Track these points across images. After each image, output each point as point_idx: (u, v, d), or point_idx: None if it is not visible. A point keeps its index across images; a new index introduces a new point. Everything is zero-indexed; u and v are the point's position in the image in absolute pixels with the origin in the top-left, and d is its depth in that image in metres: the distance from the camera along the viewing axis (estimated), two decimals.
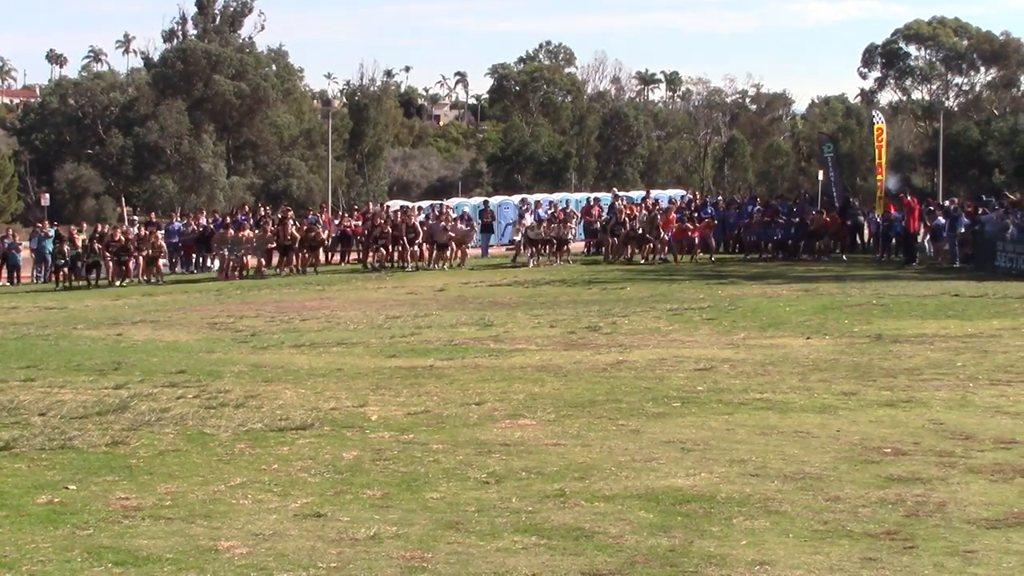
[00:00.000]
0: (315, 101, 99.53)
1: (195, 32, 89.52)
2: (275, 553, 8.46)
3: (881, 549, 8.44)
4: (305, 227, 40.74)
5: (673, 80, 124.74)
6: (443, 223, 41.20)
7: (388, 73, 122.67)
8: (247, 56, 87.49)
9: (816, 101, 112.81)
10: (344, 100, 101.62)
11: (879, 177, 45.49)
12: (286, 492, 10.32)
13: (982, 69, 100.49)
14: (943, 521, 9.16)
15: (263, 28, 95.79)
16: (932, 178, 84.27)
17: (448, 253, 40.93)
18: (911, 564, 8.10)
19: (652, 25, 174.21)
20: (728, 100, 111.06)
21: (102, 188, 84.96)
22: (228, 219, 43.17)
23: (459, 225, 41.98)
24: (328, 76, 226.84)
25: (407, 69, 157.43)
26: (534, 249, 41.05)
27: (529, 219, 42.14)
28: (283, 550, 8.53)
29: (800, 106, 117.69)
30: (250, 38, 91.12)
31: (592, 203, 46.64)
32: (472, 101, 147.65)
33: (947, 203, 43.29)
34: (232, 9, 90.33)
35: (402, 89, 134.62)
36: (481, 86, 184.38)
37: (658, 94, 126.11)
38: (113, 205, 78.95)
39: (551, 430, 12.98)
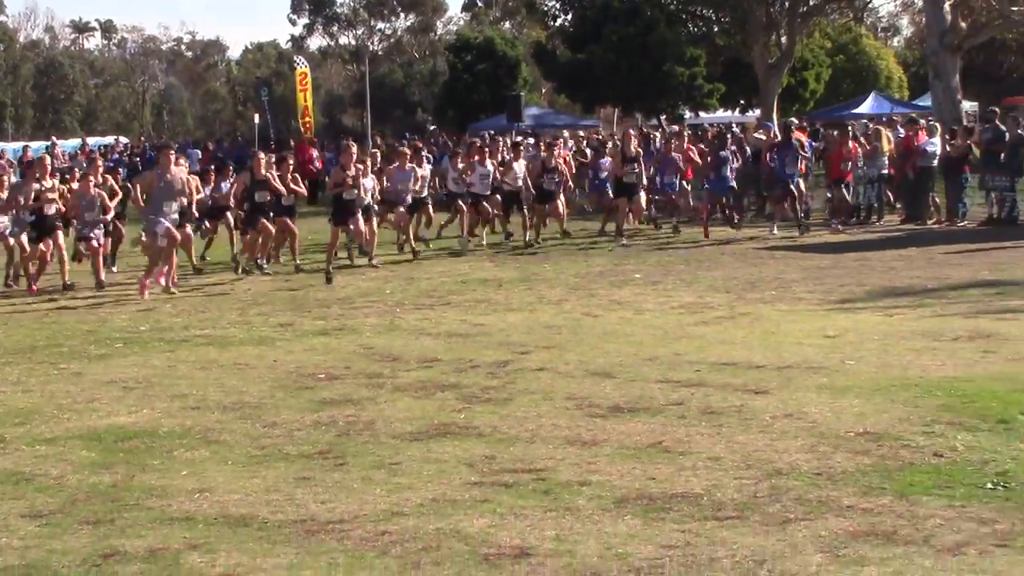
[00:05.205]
0: None
1: None
2: None
3: (315, 468, 8.60)
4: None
5: (108, 28, 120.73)
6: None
7: None
8: None
9: (250, 47, 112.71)
10: None
11: (306, 119, 46.04)
12: None
13: (402, 15, 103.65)
14: (372, 438, 9.43)
15: None
16: (361, 118, 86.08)
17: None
18: (342, 479, 8.30)
19: None
20: (164, 48, 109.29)
21: None
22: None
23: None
24: None
25: None
26: None
27: None
28: None
29: (235, 52, 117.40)
30: None
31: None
32: None
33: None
34: None
35: None
36: None
37: (93, 42, 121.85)
38: None
39: None
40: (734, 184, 25.74)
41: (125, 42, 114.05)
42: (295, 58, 57.26)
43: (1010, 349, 12.18)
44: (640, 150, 25.11)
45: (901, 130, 29.11)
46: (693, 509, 7.45)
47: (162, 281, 18.83)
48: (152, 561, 6.83)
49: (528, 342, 13.51)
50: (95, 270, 19.85)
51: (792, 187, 24.57)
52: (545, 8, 59.18)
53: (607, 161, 27.67)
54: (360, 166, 21.08)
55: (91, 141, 52.60)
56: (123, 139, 60.07)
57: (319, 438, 9.48)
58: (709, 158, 26.22)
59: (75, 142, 53.10)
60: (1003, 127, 25.89)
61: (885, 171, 26.69)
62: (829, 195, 27.35)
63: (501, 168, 25.07)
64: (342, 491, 8.03)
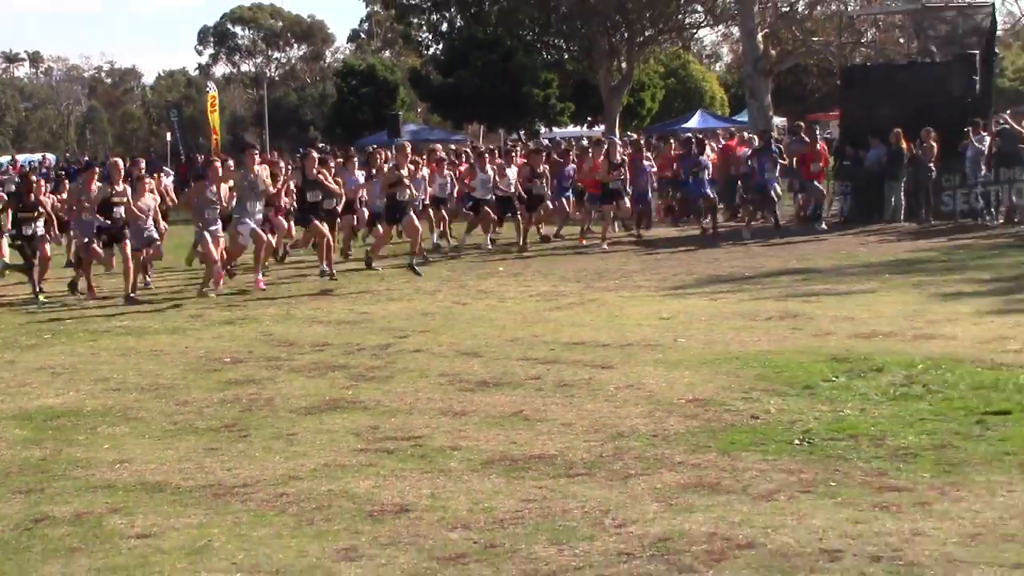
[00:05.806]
0: None
1: None
2: None
3: (221, 440, 8.51)
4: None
5: (36, 58, 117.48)
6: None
7: None
8: None
9: (162, 74, 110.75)
10: None
11: (215, 137, 45.57)
12: None
13: (295, 45, 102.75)
14: (271, 413, 9.35)
15: None
16: (260, 136, 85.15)
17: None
18: (246, 449, 8.23)
19: (11, 9, 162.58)
20: (86, 75, 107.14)
21: None
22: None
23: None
24: None
25: None
26: None
27: None
28: None
29: (149, 79, 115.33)
30: None
31: None
32: None
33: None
34: None
35: None
36: None
37: (23, 71, 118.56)
38: None
39: None
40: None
41: (51, 70, 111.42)
42: (207, 83, 56.44)
43: (814, 326, 12.45)
44: (625, 157, 23.24)
45: (723, 140, 29.52)
46: (549, 468, 7.51)
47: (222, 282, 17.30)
48: (78, 524, 6.71)
49: (407, 327, 13.48)
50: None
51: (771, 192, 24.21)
52: (419, 39, 59.34)
53: (571, 168, 24.93)
54: (412, 167, 19.39)
55: (21, 158, 51.29)
56: (50, 155, 58.70)
57: (225, 414, 9.37)
58: (675, 164, 25.45)
59: (6, 158, 51.80)
60: (807, 139, 26.34)
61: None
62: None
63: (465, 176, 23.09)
64: (245, 459, 7.96)
